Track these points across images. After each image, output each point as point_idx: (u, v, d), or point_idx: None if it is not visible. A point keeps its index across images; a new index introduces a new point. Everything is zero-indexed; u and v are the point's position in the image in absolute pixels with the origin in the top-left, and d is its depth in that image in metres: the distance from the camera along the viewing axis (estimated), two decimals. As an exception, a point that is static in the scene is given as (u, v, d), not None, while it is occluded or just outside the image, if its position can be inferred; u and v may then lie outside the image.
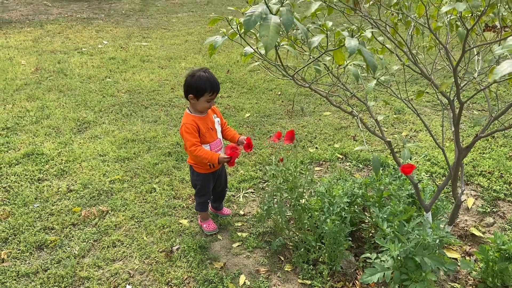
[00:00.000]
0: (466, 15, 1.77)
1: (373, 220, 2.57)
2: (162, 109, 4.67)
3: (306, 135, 4.01)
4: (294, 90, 5.16)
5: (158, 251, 2.56)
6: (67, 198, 3.07)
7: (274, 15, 1.12)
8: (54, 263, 2.47)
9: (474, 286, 2.35)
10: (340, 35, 1.41)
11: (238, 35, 1.66)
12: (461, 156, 2.02)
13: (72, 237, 2.69)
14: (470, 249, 2.65)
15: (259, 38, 1.34)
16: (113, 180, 3.29)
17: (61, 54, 6.50)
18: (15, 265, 2.45)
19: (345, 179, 2.81)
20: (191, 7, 10.59)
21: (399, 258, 2.08)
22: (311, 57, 1.56)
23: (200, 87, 2.33)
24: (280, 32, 1.09)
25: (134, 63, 6.19)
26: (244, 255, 2.54)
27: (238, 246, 2.62)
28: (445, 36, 1.93)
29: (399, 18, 2.12)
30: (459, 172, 2.43)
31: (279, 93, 5.12)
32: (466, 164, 3.37)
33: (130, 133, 4.07)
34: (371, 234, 2.70)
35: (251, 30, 1.51)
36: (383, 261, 2.21)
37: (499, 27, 1.62)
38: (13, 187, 3.18)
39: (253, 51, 1.54)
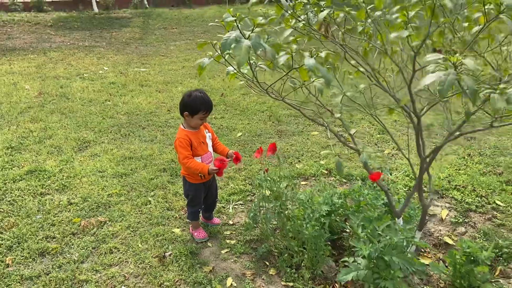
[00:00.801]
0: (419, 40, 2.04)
1: (352, 227, 2.78)
2: (159, 129, 4.93)
3: (294, 152, 4.26)
4: (283, 112, 5.44)
5: (152, 256, 2.76)
6: (68, 210, 3.28)
7: (246, 39, 1.38)
8: (56, 268, 2.66)
9: (445, 288, 2.54)
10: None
11: (223, 58, 1.93)
12: (424, 164, 2.25)
13: (72, 245, 2.89)
14: (443, 256, 2.85)
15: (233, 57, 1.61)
16: (111, 194, 3.51)
17: (63, 79, 6.80)
18: (19, 269, 2.64)
19: (325, 190, 3.03)
20: (188, 35, 11.03)
21: (371, 258, 2.29)
22: (282, 71, 1.82)
23: (196, 106, 2.60)
24: (250, 52, 1.35)
25: (133, 87, 6.50)
26: (232, 260, 2.74)
27: (226, 252, 2.81)
28: (406, 58, 2.20)
29: (370, 45, 2.40)
30: (428, 182, 2.67)
31: (270, 114, 5.40)
32: (442, 179, 3.60)
33: (127, 151, 4.30)
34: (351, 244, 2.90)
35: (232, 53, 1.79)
36: (359, 263, 2.42)
37: (443, 50, 1.89)
38: (17, 200, 3.39)
39: (234, 70, 1.81)
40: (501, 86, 1.33)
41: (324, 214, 2.65)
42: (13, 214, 3.21)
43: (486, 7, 1.52)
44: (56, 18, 11.61)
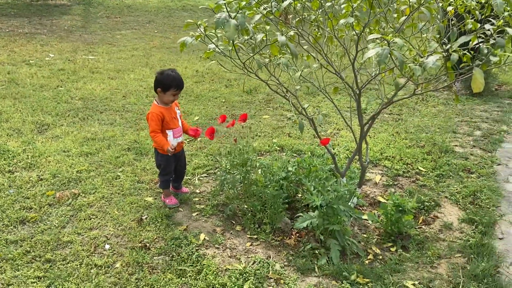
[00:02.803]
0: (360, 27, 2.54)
1: (305, 191, 3.27)
2: (117, 113, 5.12)
3: (249, 133, 4.68)
4: (236, 98, 5.85)
5: (129, 220, 3.05)
6: (40, 185, 3.45)
7: (233, 19, 1.77)
8: (38, 233, 2.87)
9: (379, 235, 3.09)
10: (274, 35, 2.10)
11: (201, 37, 2.29)
12: (363, 130, 2.77)
13: (50, 213, 3.10)
14: (377, 212, 3.42)
15: (220, 36, 1.99)
16: (79, 170, 3.71)
17: (9, 65, 6.68)
18: (2, 235, 2.82)
19: (280, 160, 3.49)
20: (133, 25, 11.03)
21: (322, 208, 2.77)
22: (249, 53, 2.22)
23: (167, 83, 2.92)
24: (237, 29, 1.74)
25: (84, 74, 6.55)
26: (203, 220, 3.11)
27: (197, 214, 3.18)
28: (349, 42, 2.70)
29: (319, 33, 2.88)
30: (366, 148, 3.21)
31: (223, 100, 5.78)
32: (375, 152, 4.21)
33: (89, 133, 4.48)
34: (303, 204, 3.39)
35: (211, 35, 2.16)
36: (312, 214, 2.90)
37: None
38: (-15, 177, 3.49)
39: (215, 47, 2.18)
40: (420, 60, 1.84)
41: (282, 177, 3.11)
42: (-16, 189, 3.33)
43: (410, 0, 2.03)
44: (-11, 3, 11.10)
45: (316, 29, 2.81)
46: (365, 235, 3.06)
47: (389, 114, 5.43)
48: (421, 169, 3.89)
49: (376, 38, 1.73)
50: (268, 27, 2.04)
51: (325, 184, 2.86)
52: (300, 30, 2.61)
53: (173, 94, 2.99)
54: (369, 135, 4.66)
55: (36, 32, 9.34)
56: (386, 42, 1.71)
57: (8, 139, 4.22)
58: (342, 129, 4.93)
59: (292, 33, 2.03)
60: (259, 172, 3.32)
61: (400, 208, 3.02)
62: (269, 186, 3.02)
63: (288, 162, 3.32)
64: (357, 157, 3.21)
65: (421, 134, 4.71)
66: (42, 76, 6.32)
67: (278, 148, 4.34)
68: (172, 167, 3.21)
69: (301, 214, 2.95)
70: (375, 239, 3.03)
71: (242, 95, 6.06)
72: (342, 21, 2.06)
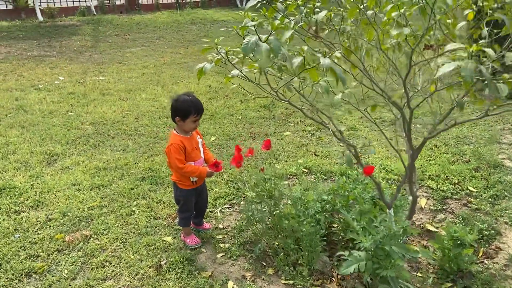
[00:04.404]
0: (411, 37, 2.15)
1: (342, 222, 2.86)
2: (129, 138, 4.80)
3: (270, 153, 4.30)
4: (254, 114, 5.49)
5: (147, 267, 2.69)
6: (48, 226, 3.12)
7: (264, 43, 1.40)
8: (46, 287, 2.52)
9: (434, 273, 2.67)
10: (311, 57, 1.73)
11: (222, 62, 1.93)
12: (414, 155, 2.37)
13: (59, 262, 2.75)
14: (427, 243, 2.99)
15: (252, 61, 1.62)
16: (91, 206, 3.38)
17: (17, 91, 6.44)
18: (5, 293, 2.48)
19: (314, 189, 3.10)
20: (143, 42, 10.80)
21: (370, 249, 2.37)
22: (282, 78, 1.85)
23: (186, 110, 2.57)
24: (270, 56, 1.37)
25: (94, 97, 6.28)
26: (229, 264, 2.73)
27: (222, 256, 2.80)
28: (392, 55, 2.31)
29: (350, 43, 2.49)
30: (414, 173, 2.80)
31: (240, 117, 5.42)
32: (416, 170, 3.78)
33: (100, 162, 4.16)
34: (341, 237, 2.98)
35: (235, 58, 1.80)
36: (358, 255, 2.49)
37: (435, 46, 2.01)
38: (-11, 221, 3.18)
39: (239, 73, 1.82)
40: (506, 76, 1.45)
41: (319, 210, 2.72)
42: (-13, 235, 3.01)
43: (479, 4, 1.64)
44: (-2, 27, 10.98)
45: (347, 40, 2.43)
46: (419, 274, 2.64)
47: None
48: (472, 189, 3.45)
49: (458, 48, 1.35)
50: (306, 48, 1.67)
51: (372, 221, 2.46)
52: (333, 43, 2.24)
53: (194, 120, 2.64)
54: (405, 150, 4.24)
55: (45, 54, 9.16)
56: (464, 54, 1.33)
57: (15, 173, 3.92)
58: (373, 142, 4.51)
59: (338, 53, 1.65)
60: (289, 202, 2.94)
61: (459, 242, 2.60)
62: (304, 221, 2.63)
63: (323, 191, 2.92)
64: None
65: (463, 146, 4.27)
66: (51, 101, 6.06)
67: (305, 170, 3.94)
68: (192, 203, 2.85)
69: (342, 253, 2.55)
70: (431, 278, 2.60)
71: (259, 110, 5.70)
72: (394, 31, 1.68)
